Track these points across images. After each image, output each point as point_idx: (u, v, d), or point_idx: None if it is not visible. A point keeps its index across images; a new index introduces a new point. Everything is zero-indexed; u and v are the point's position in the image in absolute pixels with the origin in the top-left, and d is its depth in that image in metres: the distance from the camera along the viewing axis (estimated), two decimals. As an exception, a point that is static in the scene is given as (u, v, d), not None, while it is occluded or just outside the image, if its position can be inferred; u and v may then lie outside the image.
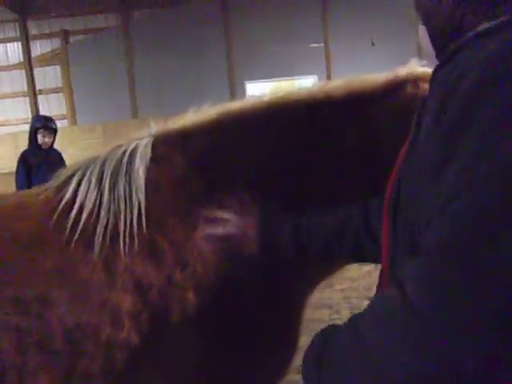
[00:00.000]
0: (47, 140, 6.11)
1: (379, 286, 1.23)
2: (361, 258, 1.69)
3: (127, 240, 1.75)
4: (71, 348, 1.65)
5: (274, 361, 1.90)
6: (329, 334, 1.00)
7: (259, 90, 20.13)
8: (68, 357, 1.65)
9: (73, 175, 1.92)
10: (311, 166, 1.87)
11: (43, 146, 6.12)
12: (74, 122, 18.37)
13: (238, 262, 1.79)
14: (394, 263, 1.11)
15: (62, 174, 1.95)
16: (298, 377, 1.15)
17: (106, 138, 17.11)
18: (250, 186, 1.85)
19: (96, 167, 1.92)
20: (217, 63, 18.80)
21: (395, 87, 1.83)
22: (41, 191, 1.95)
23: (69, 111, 18.35)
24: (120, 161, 1.90)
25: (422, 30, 1.16)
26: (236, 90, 19.11)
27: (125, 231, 1.76)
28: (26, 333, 1.63)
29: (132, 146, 1.94)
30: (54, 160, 6.05)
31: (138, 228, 1.77)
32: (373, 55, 17.48)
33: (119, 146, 1.97)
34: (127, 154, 1.91)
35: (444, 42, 1.08)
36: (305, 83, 20.10)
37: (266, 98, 1.96)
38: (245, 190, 1.84)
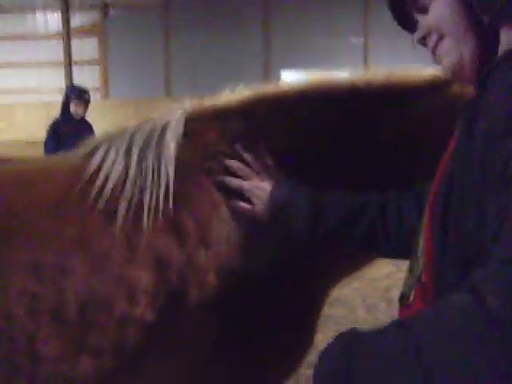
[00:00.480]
0: (79, 111, 6.12)
1: (420, 296, 1.13)
2: (368, 248, 1.64)
3: (151, 215, 1.69)
4: (84, 319, 1.61)
5: (294, 348, 1.85)
6: (355, 338, 0.91)
7: (294, 79, 20.04)
8: (79, 328, 1.61)
9: (101, 144, 1.87)
10: (343, 151, 1.80)
11: (75, 117, 6.13)
12: (106, 96, 18.44)
13: (263, 246, 1.73)
14: (445, 273, 1.02)
15: (91, 143, 1.90)
16: (309, 372, 1.06)
17: (138, 115, 16.97)
18: (284, 170, 1.79)
19: (125, 138, 1.86)
20: (254, 49, 18.72)
21: (441, 84, 1.75)
22: (68, 158, 1.90)
23: (102, 85, 18.43)
24: (150, 134, 1.84)
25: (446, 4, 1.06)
26: (271, 78, 19.01)
27: (150, 206, 1.70)
28: (41, 299, 1.59)
29: (164, 121, 1.88)
30: (84, 131, 6.04)
31: (164, 203, 1.71)
32: (412, 54, 17.20)
33: (150, 120, 1.91)
34: (158, 127, 1.85)
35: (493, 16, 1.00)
36: (342, 74, 19.90)
37: (304, 83, 1.89)
38: (278, 172, 1.78)
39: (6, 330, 1.58)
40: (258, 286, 1.72)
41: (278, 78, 19.11)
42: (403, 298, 1.21)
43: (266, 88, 1.91)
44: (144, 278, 1.65)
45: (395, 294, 5.26)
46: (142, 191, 1.73)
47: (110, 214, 1.69)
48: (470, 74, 1.07)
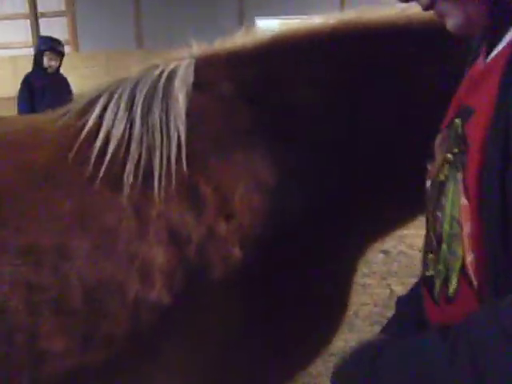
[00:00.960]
0: (54, 63, 5.73)
1: (466, 291, 0.96)
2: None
3: (163, 181, 1.44)
4: (92, 308, 1.38)
5: (325, 324, 1.64)
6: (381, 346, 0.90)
7: (269, 27, 19.62)
8: (88, 318, 1.37)
9: (98, 98, 1.59)
10: (365, 105, 1.54)
11: (49, 70, 5.74)
12: (75, 48, 17.81)
13: (287, 216, 1.50)
14: (506, 272, 0.86)
15: (85, 96, 1.61)
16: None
17: (109, 67, 16.70)
18: (306, 126, 1.53)
19: (126, 90, 1.58)
20: (227, -2, 18.23)
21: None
22: (58, 115, 1.61)
23: (71, 37, 17.76)
24: (156, 83, 1.57)
25: None
26: (246, 26, 18.57)
27: (160, 170, 1.45)
28: (38, 289, 1.34)
29: (170, 67, 1.60)
30: (59, 85, 5.71)
31: (177, 166, 1.45)
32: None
33: (154, 66, 1.63)
34: (164, 75, 1.58)
35: None
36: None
37: (328, 22, 1.61)
38: (299, 129, 1.53)
39: (2, 326, 1.32)
40: (286, 255, 1.49)
41: (253, 26, 18.65)
42: (432, 285, 1.06)
43: (287, 30, 1.64)
44: (159, 255, 1.41)
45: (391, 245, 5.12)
46: (149, 152, 1.47)
47: (115, 181, 1.43)
48: (482, 31, 1.00)
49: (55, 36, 6.11)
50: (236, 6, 18.44)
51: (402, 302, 1.33)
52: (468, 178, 0.93)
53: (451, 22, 0.97)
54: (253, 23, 18.63)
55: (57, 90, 5.47)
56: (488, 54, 1.01)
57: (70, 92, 5.85)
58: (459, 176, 0.96)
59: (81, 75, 14.77)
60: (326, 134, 1.52)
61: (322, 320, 1.61)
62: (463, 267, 0.95)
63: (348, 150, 1.53)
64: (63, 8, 18.07)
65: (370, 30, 1.55)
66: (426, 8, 1.00)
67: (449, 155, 1.02)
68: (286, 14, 18.11)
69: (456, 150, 0.99)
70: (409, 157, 1.40)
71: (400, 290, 4.11)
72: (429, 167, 1.14)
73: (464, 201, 0.94)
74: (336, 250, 1.57)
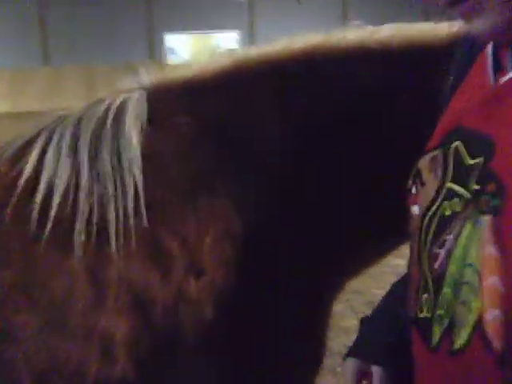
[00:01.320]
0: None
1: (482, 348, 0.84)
2: None
3: (120, 237, 1.22)
4: None
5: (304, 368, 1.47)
6: None
7: (178, 43, 19.45)
8: None
9: (34, 140, 1.35)
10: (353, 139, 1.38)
11: None
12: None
13: (266, 260, 1.33)
14: None
15: (16, 139, 1.37)
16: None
17: (15, 86, 16.06)
18: (281, 162, 1.36)
19: (67, 129, 1.35)
20: (135, 11, 17.96)
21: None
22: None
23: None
24: (102, 121, 1.35)
25: None
26: (154, 41, 18.45)
27: (117, 224, 1.22)
28: None
29: (118, 101, 1.38)
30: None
31: (136, 219, 1.24)
32: (298, 13, 17.13)
33: (99, 101, 1.40)
34: (112, 111, 1.36)
35: None
36: (226, 38, 19.59)
37: (301, 44, 1.44)
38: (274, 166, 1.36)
39: None
40: (265, 304, 1.33)
41: (162, 42, 18.62)
42: (427, 329, 0.93)
43: (251, 51, 1.46)
44: (121, 325, 1.21)
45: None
46: (102, 204, 1.25)
47: (63, 241, 1.21)
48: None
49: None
50: (144, 20, 18.23)
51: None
52: (505, 226, 0.80)
53: (485, 23, 0.84)
54: (161, 38, 18.50)
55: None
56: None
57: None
58: (486, 220, 0.83)
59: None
60: (288, 171, 1.36)
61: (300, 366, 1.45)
62: (479, 323, 0.83)
63: (314, 187, 1.38)
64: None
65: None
66: (450, 3, 0.85)
67: (461, 189, 0.89)
68: (195, 29, 18.10)
69: (476, 187, 0.86)
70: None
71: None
72: (413, 190, 1.01)
73: (491, 250, 0.82)
74: (314, 294, 1.41)
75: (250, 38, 18.21)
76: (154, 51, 18.46)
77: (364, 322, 1.26)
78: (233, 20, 18.56)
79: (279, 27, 14.25)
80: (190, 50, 19.82)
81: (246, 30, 18.62)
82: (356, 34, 1.44)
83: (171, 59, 18.47)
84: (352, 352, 1.20)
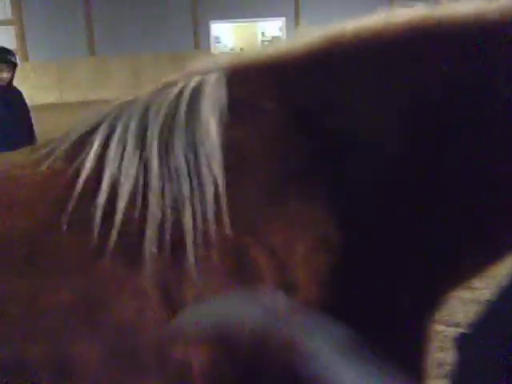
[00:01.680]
0: (6, 75, 5.19)
1: None
2: None
3: (199, 249, 1.00)
4: None
5: None
6: None
7: (223, 31, 19.30)
8: None
9: (93, 131, 1.14)
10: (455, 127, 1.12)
11: (0, 82, 5.21)
12: (25, 58, 17.13)
13: (372, 278, 1.10)
14: None
15: (74, 129, 1.16)
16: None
17: (61, 77, 16.13)
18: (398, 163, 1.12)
19: (133, 118, 1.14)
20: (181, 2, 17.88)
21: None
22: (37, 157, 1.15)
23: (19, 46, 17.05)
24: (175, 109, 1.13)
25: None
26: (200, 30, 18.35)
27: (194, 233, 1.01)
28: None
29: (192, 85, 1.16)
30: (12, 99, 5.17)
31: (217, 227, 1.02)
32: (343, 0, 16.84)
33: (169, 84, 1.18)
34: (185, 96, 1.14)
35: None
36: (271, 26, 19.35)
37: (404, 17, 1.18)
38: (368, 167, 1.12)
39: None
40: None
41: (208, 31, 18.53)
42: None
43: (343, 28, 1.21)
44: (199, 356, 0.98)
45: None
46: (176, 208, 1.03)
47: (131, 253, 0.99)
48: None
49: (3, 45, 5.59)
50: (190, 9, 18.11)
51: None
52: None
53: None
54: (207, 27, 18.35)
55: (9, 105, 4.97)
56: None
57: (25, 108, 5.35)
58: None
59: (31, 86, 14.16)
60: (397, 174, 1.11)
61: None
62: None
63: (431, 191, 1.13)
64: (10, 17, 17.37)
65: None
66: None
67: None
68: (240, 17, 17.90)
69: None
70: None
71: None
72: None
73: None
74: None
75: (295, 25, 18.00)
76: (200, 40, 18.36)
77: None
78: (278, 8, 18.29)
79: (324, 15, 13.99)
80: (235, 39, 19.67)
81: (291, 17, 18.33)
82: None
83: (217, 48, 18.38)
84: None
